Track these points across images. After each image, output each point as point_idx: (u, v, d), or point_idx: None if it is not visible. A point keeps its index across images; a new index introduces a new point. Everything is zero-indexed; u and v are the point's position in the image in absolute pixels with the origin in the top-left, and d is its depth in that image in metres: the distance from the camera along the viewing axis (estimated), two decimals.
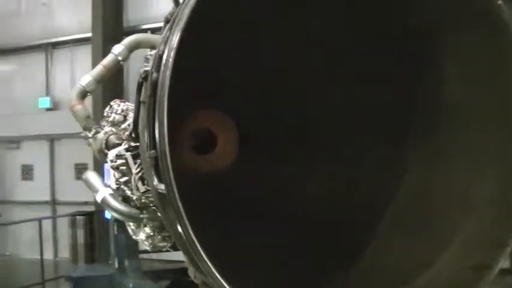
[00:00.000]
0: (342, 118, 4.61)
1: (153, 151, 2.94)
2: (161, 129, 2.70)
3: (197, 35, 3.11)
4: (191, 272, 3.96)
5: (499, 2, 3.32)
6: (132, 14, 12.73)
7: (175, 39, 2.72)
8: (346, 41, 4.29)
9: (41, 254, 10.68)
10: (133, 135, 4.58)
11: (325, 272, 4.15)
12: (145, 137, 3.15)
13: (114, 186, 6.34)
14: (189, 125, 5.06)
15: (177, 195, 2.68)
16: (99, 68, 7.57)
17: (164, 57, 2.79)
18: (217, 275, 2.75)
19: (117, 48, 7.43)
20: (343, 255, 4.20)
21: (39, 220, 11.03)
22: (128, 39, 7.53)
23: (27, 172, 14.22)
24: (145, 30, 11.82)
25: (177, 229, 2.87)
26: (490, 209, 3.58)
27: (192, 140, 5.30)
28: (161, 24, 3.83)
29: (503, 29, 3.34)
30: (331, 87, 4.54)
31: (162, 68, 2.77)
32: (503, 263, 3.55)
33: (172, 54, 2.70)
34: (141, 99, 3.59)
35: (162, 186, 2.87)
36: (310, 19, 4.22)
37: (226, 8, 3.79)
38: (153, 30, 11.60)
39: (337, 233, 4.37)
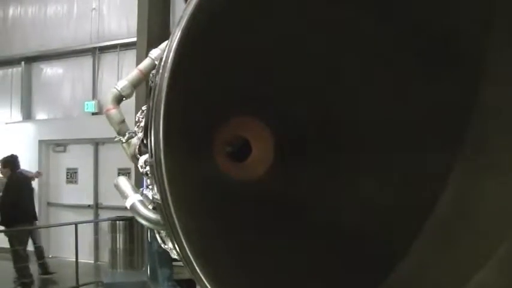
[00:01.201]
0: (379, 124, 4.42)
1: (152, 159, 2.75)
2: (156, 136, 2.48)
3: (217, 37, 2.93)
4: None
5: None
6: (179, 17, 12.60)
7: (174, 39, 2.51)
8: (383, 40, 4.09)
9: (76, 258, 10.69)
10: (144, 141, 4.43)
11: None
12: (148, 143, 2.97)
13: (148, 192, 6.23)
14: (223, 132, 4.92)
15: (171, 207, 2.46)
16: (136, 72, 7.45)
17: (163, 59, 2.58)
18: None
19: (155, 53, 7.30)
20: (373, 272, 4.01)
21: (75, 224, 11.04)
22: (165, 44, 7.40)
23: (71, 175, 14.30)
24: None
25: (173, 243, 2.67)
26: None
27: (228, 147, 5.17)
28: None
29: None
30: (368, 90, 4.35)
31: (161, 71, 2.56)
32: None
33: (171, 55, 2.48)
34: (150, 105, 3.43)
35: (157, 197, 2.67)
36: (340, 16, 4.04)
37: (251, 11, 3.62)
38: None
39: (369, 248, 4.18)
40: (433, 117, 4.12)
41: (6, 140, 15.15)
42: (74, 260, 11.05)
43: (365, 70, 4.33)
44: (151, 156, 2.76)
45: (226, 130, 4.89)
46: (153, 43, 11.45)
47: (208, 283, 2.50)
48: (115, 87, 7.42)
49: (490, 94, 3.69)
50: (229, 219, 4.33)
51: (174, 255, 6.19)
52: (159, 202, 2.67)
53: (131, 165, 12.37)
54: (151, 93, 2.85)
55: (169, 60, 2.46)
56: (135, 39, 12.63)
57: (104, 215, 12.45)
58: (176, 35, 2.50)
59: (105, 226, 11.81)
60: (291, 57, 4.43)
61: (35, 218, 10.83)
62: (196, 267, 2.48)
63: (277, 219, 4.69)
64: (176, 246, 2.53)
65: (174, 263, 8.40)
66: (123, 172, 13.04)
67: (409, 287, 3.91)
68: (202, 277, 2.48)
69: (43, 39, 15.22)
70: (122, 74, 13.78)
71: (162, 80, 2.48)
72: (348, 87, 4.49)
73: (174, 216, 2.46)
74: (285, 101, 4.78)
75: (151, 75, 3.34)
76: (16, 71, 15.95)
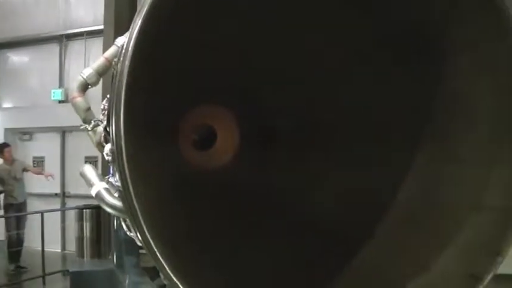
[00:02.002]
0: (348, 119, 4.49)
1: (113, 146, 2.77)
2: (117, 123, 2.50)
3: (180, 25, 2.95)
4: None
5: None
6: None
7: (135, 26, 2.54)
8: (354, 40, 4.15)
9: (42, 247, 10.67)
10: (108, 129, 4.45)
11: (319, 273, 4.03)
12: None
13: (113, 180, 6.24)
14: (189, 120, 4.95)
15: (132, 193, 2.49)
16: (101, 60, 7.44)
17: (124, 46, 2.61)
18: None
19: (121, 40, 7.27)
20: (338, 257, 4.06)
21: (42, 213, 11.00)
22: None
23: (38, 164, 14.21)
24: None
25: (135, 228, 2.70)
26: (489, 217, 3.44)
27: (193, 135, 5.20)
28: None
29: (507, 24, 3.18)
30: (338, 87, 4.43)
31: (121, 58, 2.58)
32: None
33: (131, 43, 2.51)
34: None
35: (119, 184, 2.69)
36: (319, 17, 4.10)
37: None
38: None
39: (334, 235, 4.27)
40: (396, 109, 4.22)
41: None
42: (39, 249, 11.03)
43: (333, 62, 4.41)
44: (112, 144, 2.78)
45: (193, 118, 4.92)
46: (120, 31, 11.41)
47: (170, 270, 2.54)
48: (81, 75, 7.42)
49: (451, 88, 3.77)
50: (191, 206, 4.38)
51: (139, 242, 6.24)
52: (120, 189, 2.70)
53: (99, 154, 12.32)
54: (113, 81, 2.88)
55: (130, 48, 2.50)
56: (102, 27, 12.58)
57: (71, 203, 12.39)
58: (137, 23, 2.53)
59: (72, 215, 11.78)
60: (259, 46, 4.49)
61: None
62: (158, 254, 2.52)
63: (238, 206, 4.76)
64: (138, 233, 2.57)
65: (141, 251, 8.43)
66: (91, 160, 12.98)
67: (372, 273, 4.01)
68: (164, 264, 2.53)
69: (10, 26, 15.04)
70: (89, 62, 13.68)
71: (123, 67, 2.51)
72: (314, 79, 4.56)
73: (135, 203, 2.49)
74: (253, 91, 4.83)
75: (113, 62, 3.35)
76: None
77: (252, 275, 3.97)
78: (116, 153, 2.59)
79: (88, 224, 11.54)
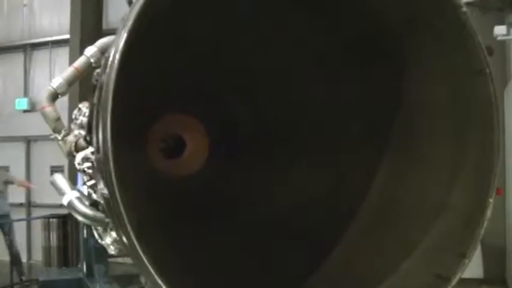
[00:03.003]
0: (312, 118, 4.64)
1: (100, 155, 2.88)
2: (104, 132, 2.62)
3: (157, 37, 3.07)
4: (143, 278, 3.92)
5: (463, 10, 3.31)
6: (112, 17, 12.64)
7: (121, 41, 2.67)
8: (315, 36, 4.29)
9: (11, 256, 10.61)
10: (88, 138, 4.53)
11: (289, 274, 4.17)
12: (94, 140, 3.10)
13: (85, 189, 6.29)
14: (158, 129, 5.03)
15: (118, 198, 2.61)
16: (71, 70, 7.49)
17: (110, 59, 2.73)
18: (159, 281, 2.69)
19: (90, 50, 7.35)
20: (307, 260, 4.21)
21: (10, 222, 10.96)
22: (101, 41, 7.46)
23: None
24: None
25: (120, 235, 2.82)
26: (453, 219, 3.60)
27: (162, 144, 5.27)
28: None
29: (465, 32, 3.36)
30: (300, 86, 4.59)
31: (108, 70, 2.71)
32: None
33: (117, 56, 2.63)
34: (93, 102, 3.54)
35: (105, 191, 2.81)
36: (285, 20, 4.23)
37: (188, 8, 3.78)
38: None
39: (304, 237, 4.38)
40: (362, 112, 4.36)
41: None
42: (4, 259, 10.97)
43: (297, 66, 4.54)
44: (97, 152, 2.90)
45: (160, 127, 5.02)
46: (86, 40, 11.46)
47: (153, 269, 2.67)
48: (50, 85, 7.46)
49: (415, 92, 3.95)
50: (165, 211, 4.48)
51: (111, 250, 6.28)
52: (107, 196, 2.82)
53: (64, 163, 12.38)
54: (97, 92, 2.98)
55: (116, 61, 2.62)
56: (67, 36, 12.58)
57: (36, 213, 12.32)
58: (123, 37, 2.65)
59: (37, 225, 11.73)
60: (223, 55, 4.61)
61: None
62: (142, 255, 2.64)
63: (210, 210, 4.86)
64: (123, 236, 2.69)
65: (110, 259, 8.45)
66: (57, 170, 12.93)
67: (339, 275, 4.14)
68: (148, 264, 2.65)
69: None
70: (54, 71, 13.66)
71: (109, 79, 2.63)
72: (278, 82, 4.69)
73: (122, 208, 2.61)
74: (218, 99, 4.95)
75: (95, 73, 3.44)
76: None
77: (220, 276, 4.08)
78: (102, 159, 2.72)
79: (55, 233, 11.53)
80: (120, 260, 9.43)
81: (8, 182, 11.44)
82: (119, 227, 2.72)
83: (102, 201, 5.12)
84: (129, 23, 2.66)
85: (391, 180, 4.16)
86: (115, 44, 2.74)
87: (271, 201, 4.80)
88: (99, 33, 12.03)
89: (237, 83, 4.81)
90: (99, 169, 2.93)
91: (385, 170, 4.19)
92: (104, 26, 12.40)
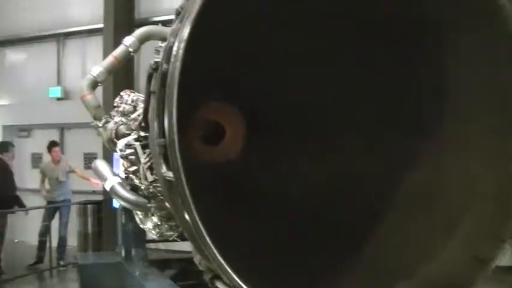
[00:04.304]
0: (349, 109, 4.68)
1: (162, 140, 3.04)
2: (170, 119, 2.79)
3: (207, 27, 3.19)
4: (197, 259, 4.05)
5: (502, 2, 3.34)
6: (143, 6, 12.80)
7: (185, 31, 2.80)
8: (351, 32, 4.34)
9: (50, 242, 10.85)
10: (143, 124, 4.67)
11: (326, 263, 4.22)
12: (155, 126, 3.25)
13: (123, 175, 6.45)
14: (198, 116, 5.16)
15: (184, 181, 2.76)
16: (110, 59, 7.67)
17: (174, 48, 2.88)
18: (220, 259, 2.83)
19: (128, 40, 7.53)
20: (345, 246, 4.28)
21: (45, 208, 11.19)
22: (139, 31, 7.63)
23: (37, 160, 14.34)
24: (156, 23, 11.80)
25: (184, 215, 2.96)
26: (491, 204, 3.64)
27: (202, 131, 5.40)
28: (172, 17, 3.92)
29: (504, 28, 3.38)
30: (337, 78, 4.61)
31: (172, 59, 2.85)
32: (505, 261, 3.67)
33: (182, 46, 2.77)
34: (151, 90, 3.69)
35: (170, 174, 2.96)
36: (312, 12, 4.30)
37: (236, 3, 3.89)
38: (164, 23, 11.59)
39: (340, 223, 4.46)
40: (399, 100, 4.40)
41: None
42: (36, 243, 11.21)
43: (329, 58, 4.62)
44: (161, 137, 3.06)
45: (201, 115, 5.15)
46: (119, 30, 11.66)
47: (216, 250, 2.82)
48: (90, 73, 7.64)
49: (449, 80, 3.98)
50: (208, 195, 4.62)
51: (153, 235, 6.45)
52: (170, 179, 2.98)
53: (97, 150, 12.60)
54: (157, 80, 3.13)
55: (181, 51, 2.76)
56: (99, 25, 12.75)
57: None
58: (187, 28, 2.79)
59: (72, 211, 11.93)
60: (263, 50, 4.72)
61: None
62: (206, 236, 2.79)
63: (246, 198, 4.98)
64: (187, 216, 2.85)
65: (149, 245, 8.63)
66: (90, 157, 13.20)
67: (376, 263, 4.20)
68: (211, 245, 2.80)
69: (7, 24, 15.14)
70: (86, 59, 13.86)
71: (174, 69, 2.79)
72: (314, 74, 4.77)
73: (187, 190, 2.77)
74: (256, 88, 5.05)
75: (152, 62, 3.58)
76: None
77: (259, 262, 4.19)
78: (168, 144, 2.89)
79: (90, 219, 11.76)
80: (161, 246, 9.66)
81: (70, 171, 11.69)
82: (183, 208, 2.87)
83: (147, 187, 5.31)
84: (193, 15, 2.79)
85: (428, 167, 4.19)
86: (179, 35, 2.88)
87: (304, 190, 4.91)
88: (131, 23, 12.22)
89: (271, 74, 4.91)
90: (161, 153, 3.08)
91: (423, 157, 4.22)
92: (136, 16, 12.56)
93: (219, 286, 3.51)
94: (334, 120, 4.77)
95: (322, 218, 4.59)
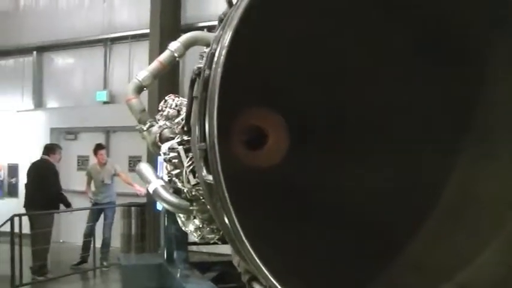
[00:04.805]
0: (388, 113, 4.67)
1: (203, 143, 3.12)
2: (211, 123, 2.86)
3: (248, 34, 3.26)
4: (235, 261, 4.13)
5: None
6: (189, 12, 12.95)
7: (227, 38, 2.88)
8: (390, 40, 4.37)
9: (94, 242, 11.06)
10: (185, 128, 4.76)
11: (366, 270, 4.22)
12: (196, 130, 3.33)
13: (166, 178, 6.57)
14: (241, 121, 5.23)
15: (223, 185, 2.83)
16: (156, 63, 7.80)
17: (216, 55, 2.95)
18: (257, 260, 2.88)
19: (174, 45, 7.65)
20: (385, 252, 4.27)
21: (90, 210, 11.40)
22: (185, 37, 7.74)
23: (82, 163, 14.62)
24: (201, 28, 12.03)
25: (223, 218, 3.03)
26: None
27: (244, 136, 5.46)
28: (217, 23, 4.01)
29: None
30: (378, 85, 4.62)
31: (214, 65, 2.93)
32: None
33: (223, 52, 2.85)
34: (193, 95, 3.77)
35: (210, 177, 3.04)
36: (352, 19, 4.34)
37: (277, 11, 3.95)
38: (209, 28, 11.83)
39: (381, 229, 4.45)
40: (439, 107, 4.43)
41: (18, 128, 15.49)
42: (80, 244, 11.41)
43: (377, 63, 4.65)
44: (201, 141, 3.14)
45: (243, 120, 5.21)
46: (165, 35, 11.83)
47: (254, 252, 2.88)
48: (136, 78, 7.79)
49: (494, 89, 3.99)
50: (249, 199, 4.68)
51: (195, 237, 6.54)
52: (210, 182, 3.05)
53: (142, 153, 12.78)
54: (200, 85, 3.21)
55: (222, 57, 2.84)
56: (145, 30, 12.95)
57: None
58: (228, 35, 2.87)
59: (118, 212, 12.11)
60: (306, 54, 4.76)
61: (41, 206, 10.91)
62: (244, 239, 2.85)
63: (290, 201, 5.03)
64: (226, 218, 2.92)
65: (190, 248, 8.75)
66: (134, 160, 13.40)
67: (413, 268, 4.21)
68: (249, 247, 2.86)
69: (54, 29, 15.46)
70: (133, 64, 14.08)
71: (216, 74, 2.87)
72: (360, 80, 4.81)
73: (226, 193, 2.84)
74: (299, 92, 5.10)
75: (195, 68, 3.68)
76: (28, 60, 16.22)
77: (297, 265, 4.23)
78: (208, 148, 2.96)
79: (134, 221, 11.94)
80: (202, 249, 9.77)
81: (115, 175, 11.90)
82: (223, 211, 2.94)
83: (190, 190, 5.39)
84: (234, 22, 2.87)
85: (465, 177, 4.17)
86: (221, 41, 2.96)
87: (344, 195, 4.94)
88: (177, 28, 12.37)
89: (315, 80, 4.95)
90: (202, 156, 3.16)
91: (458, 167, 4.22)
92: (182, 21, 12.73)
93: (256, 287, 3.59)
94: (378, 129, 4.77)
95: (361, 222, 4.62)
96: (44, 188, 10.58)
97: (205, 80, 3.08)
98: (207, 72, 3.11)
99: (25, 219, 9.53)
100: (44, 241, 10.26)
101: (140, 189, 11.63)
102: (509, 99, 3.87)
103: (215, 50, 3.05)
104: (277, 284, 2.91)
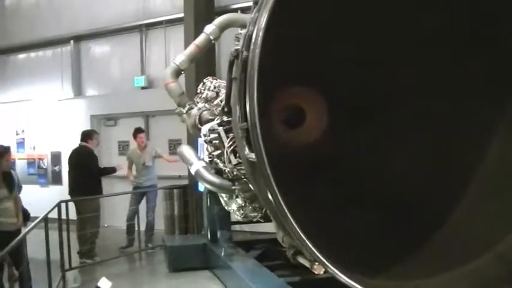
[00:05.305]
0: (424, 92, 4.80)
1: (244, 123, 3.22)
2: (252, 103, 2.97)
3: (285, 16, 3.35)
4: (279, 236, 4.24)
5: None
6: None
7: (263, 20, 2.97)
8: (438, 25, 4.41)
9: (138, 226, 11.20)
10: (225, 109, 4.87)
11: (409, 242, 4.36)
12: (237, 110, 3.44)
13: (207, 159, 6.71)
14: (280, 100, 5.31)
15: (266, 162, 2.94)
16: (192, 47, 7.92)
17: (253, 36, 3.05)
18: (302, 234, 2.99)
19: (209, 28, 7.77)
20: (426, 225, 4.41)
21: (132, 193, 11.54)
22: (219, 19, 7.85)
23: (123, 147, 14.79)
24: (235, 10, 12.06)
25: (267, 194, 3.14)
26: None
27: (283, 115, 5.55)
28: (250, 4, 4.09)
29: None
30: (421, 65, 4.73)
31: (252, 46, 3.03)
32: None
33: (260, 33, 2.95)
34: (232, 76, 3.88)
35: (252, 155, 3.15)
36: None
37: None
38: (243, 10, 11.86)
39: (422, 203, 4.57)
40: (475, 85, 4.47)
41: (60, 116, 15.72)
42: (125, 228, 11.58)
43: (415, 46, 4.69)
44: (243, 121, 3.25)
45: (282, 99, 5.29)
46: (199, 19, 11.90)
47: (298, 227, 2.99)
48: (173, 62, 7.91)
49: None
50: (293, 176, 4.77)
51: (237, 216, 6.66)
52: (253, 160, 3.17)
53: (181, 136, 12.91)
54: (238, 67, 3.32)
55: (260, 39, 2.94)
56: (180, 15, 13.00)
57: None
58: (264, 16, 2.96)
59: (158, 196, 12.25)
60: (341, 38, 4.82)
61: (85, 191, 11.11)
62: (287, 212, 2.96)
63: (327, 179, 5.11)
64: (270, 195, 3.03)
65: (233, 227, 8.89)
66: (174, 143, 13.52)
67: (450, 241, 4.32)
68: (293, 221, 2.97)
69: (90, 18, 15.59)
70: (169, 48, 14.16)
71: (254, 56, 2.97)
72: (397, 60, 4.85)
73: (268, 170, 2.95)
74: (338, 72, 5.16)
75: (233, 50, 3.77)
76: (65, 49, 16.41)
77: (345, 237, 4.32)
78: (250, 127, 3.08)
79: (176, 203, 12.09)
80: (245, 228, 9.88)
81: (156, 157, 12.07)
82: (266, 188, 3.06)
83: (231, 169, 5.50)
84: (270, 4, 2.96)
85: (503, 150, 4.29)
86: (257, 23, 3.06)
87: (384, 170, 5.02)
88: (211, 12, 12.43)
89: (356, 57, 5.00)
90: (244, 136, 3.27)
91: (497, 141, 4.34)
92: (215, 4, 12.76)
93: (300, 260, 3.70)
94: (414, 108, 4.90)
95: (397, 199, 4.71)
96: (86, 173, 10.72)
97: (244, 62, 3.18)
98: (245, 53, 3.21)
99: (71, 206, 9.71)
100: (92, 225, 10.45)
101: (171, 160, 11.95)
102: None
103: (252, 31, 3.15)
104: (321, 257, 3.01)
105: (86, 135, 11.14)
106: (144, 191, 11.70)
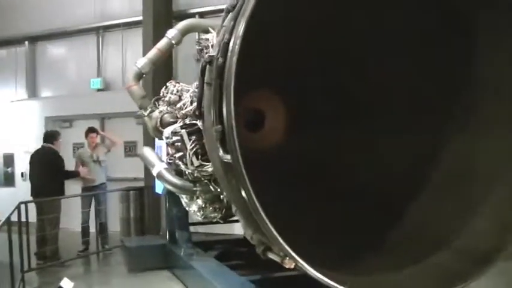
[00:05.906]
0: (388, 91, 5.00)
1: (219, 126, 3.40)
2: (228, 107, 3.15)
3: (256, 25, 3.53)
4: (248, 234, 4.39)
5: None
6: None
7: (241, 29, 3.16)
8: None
9: (96, 226, 11.17)
10: (197, 112, 5.02)
11: (365, 237, 4.57)
12: (211, 114, 3.60)
13: (167, 161, 6.85)
14: (241, 104, 5.47)
15: (241, 161, 3.12)
16: (154, 51, 8.07)
17: (231, 44, 3.23)
18: (273, 231, 3.16)
19: (171, 33, 7.92)
20: (386, 221, 4.60)
21: (92, 196, 11.48)
22: (181, 24, 8.01)
23: (78, 149, 14.68)
24: (193, 14, 12.18)
25: (239, 194, 3.32)
26: None
27: (244, 118, 5.70)
28: (208, 9, 4.25)
29: None
30: (383, 64, 4.93)
31: (229, 54, 3.21)
32: None
33: (238, 42, 3.13)
34: (205, 81, 4.05)
35: (227, 156, 3.33)
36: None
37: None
38: (201, 15, 12.02)
39: (380, 202, 4.78)
40: (429, 84, 4.68)
41: (12, 118, 15.60)
42: (80, 230, 11.53)
43: (372, 45, 4.90)
44: (217, 124, 3.42)
45: (246, 103, 5.44)
46: (158, 22, 12.01)
47: (269, 222, 3.16)
48: (135, 65, 8.06)
49: (480, 66, 4.24)
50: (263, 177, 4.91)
51: (198, 217, 6.82)
52: (228, 161, 3.34)
53: (137, 138, 12.97)
54: (216, 72, 3.47)
55: (237, 47, 3.12)
56: (138, 18, 13.06)
57: (111, 187, 12.85)
58: (242, 26, 3.15)
59: (114, 197, 12.25)
60: (309, 38, 4.98)
61: (50, 192, 10.98)
62: (260, 210, 3.14)
63: (294, 178, 5.26)
64: (243, 192, 3.20)
65: (191, 229, 9.04)
66: (130, 145, 13.60)
67: (417, 235, 4.48)
68: (265, 218, 3.15)
69: (47, 18, 15.49)
70: (126, 51, 14.20)
71: (231, 63, 3.15)
72: (355, 56, 5.06)
73: (243, 169, 3.13)
74: (298, 74, 5.32)
75: (206, 56, 3.93)
76: (20, 50, 16.26)
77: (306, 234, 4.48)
78: (226, 130, 3.25)
79: (132, 204, 12.12)
80: (192, 229, 9.88)
81: (108, 150, 12.02)
82: (240, 186, 3.23)
83: (193, 171, 5.64)
84: (247, 14, 3.14)
85: (457, 152, 4.47)
86: (234, 32, 3.24)
87: (353, 167, 5.24)
88: (170, 15, 12.53)
89: (318, 65, 5.22)
90: (218, 138, 3.44)
91: (451, 142, 4.52)
92: (174, 8, 12.83)
93: (271, 256, 3.88)
94: (379, 106, 5.10)
95: (361, 197, 4.92)
96: (52, 175, 10.63)
97: (220, 68, 3.35)
98: (220, 60, 3.38)
99: (31, 208, 9.67)
100: (53, 227, 10.37)
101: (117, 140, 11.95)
102: (492, 75, 4.19)
103: (228, 39, 3.32)
104: (291, 251, 3.19)
105: (51, 136, 11.05)
106: (97, 192, 11.58)
